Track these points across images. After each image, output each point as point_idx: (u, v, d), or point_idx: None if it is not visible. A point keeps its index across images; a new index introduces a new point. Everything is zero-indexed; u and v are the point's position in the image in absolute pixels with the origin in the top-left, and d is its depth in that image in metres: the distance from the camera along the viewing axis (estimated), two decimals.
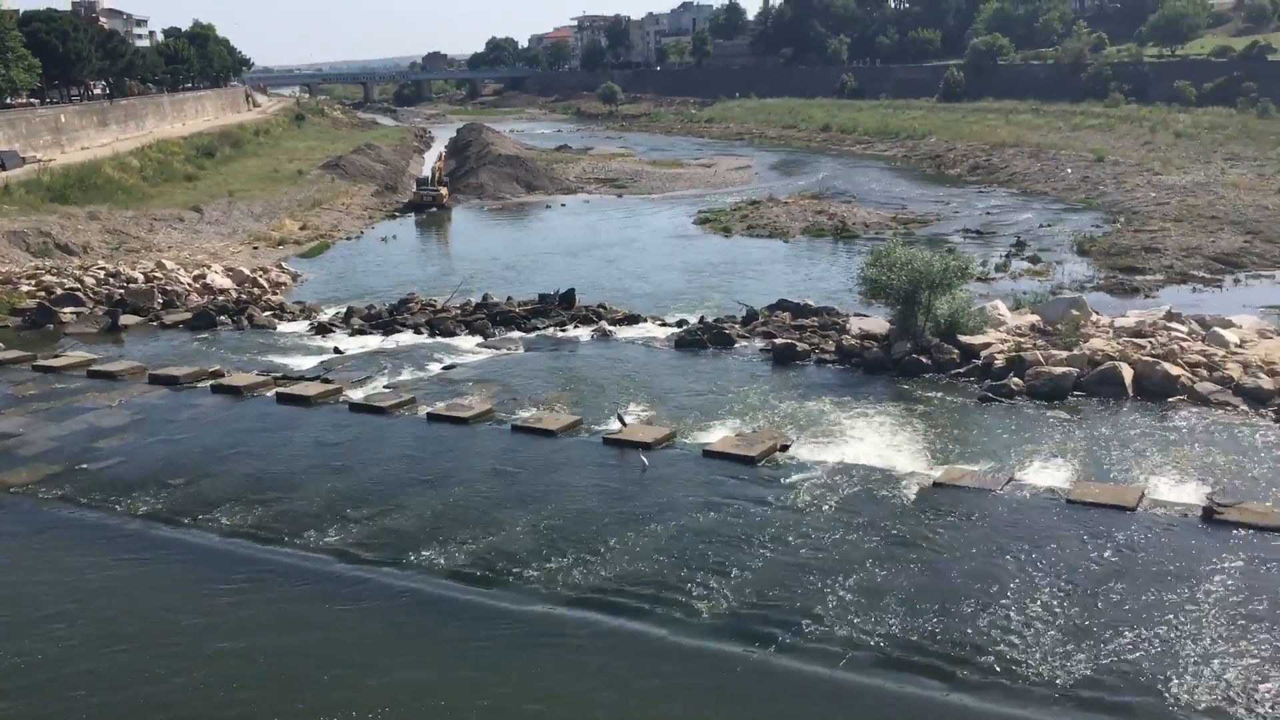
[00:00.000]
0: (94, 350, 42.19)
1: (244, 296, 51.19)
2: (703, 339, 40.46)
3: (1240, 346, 34.89)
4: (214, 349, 42.51)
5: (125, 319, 47.15)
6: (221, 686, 18.92)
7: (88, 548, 24.71)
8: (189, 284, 52.48)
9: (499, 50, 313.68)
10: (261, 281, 54.26)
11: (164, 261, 56.40)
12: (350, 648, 20.14)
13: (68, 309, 48.28)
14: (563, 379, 36.81)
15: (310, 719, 17.90)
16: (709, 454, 28.89)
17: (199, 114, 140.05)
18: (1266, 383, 31.42)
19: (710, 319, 43.46)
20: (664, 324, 43.81)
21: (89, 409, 34.61)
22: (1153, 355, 33.75)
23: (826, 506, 25.31)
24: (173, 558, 24.09)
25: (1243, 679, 18.10)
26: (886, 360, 36.32)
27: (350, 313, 46.68)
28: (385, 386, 36.38)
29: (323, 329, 44.86)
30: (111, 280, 52.29)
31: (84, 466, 29.48)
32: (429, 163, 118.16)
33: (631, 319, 44.59)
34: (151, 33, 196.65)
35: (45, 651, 20.24)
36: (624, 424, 31.19)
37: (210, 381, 37.09)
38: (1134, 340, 35.69)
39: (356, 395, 35.32)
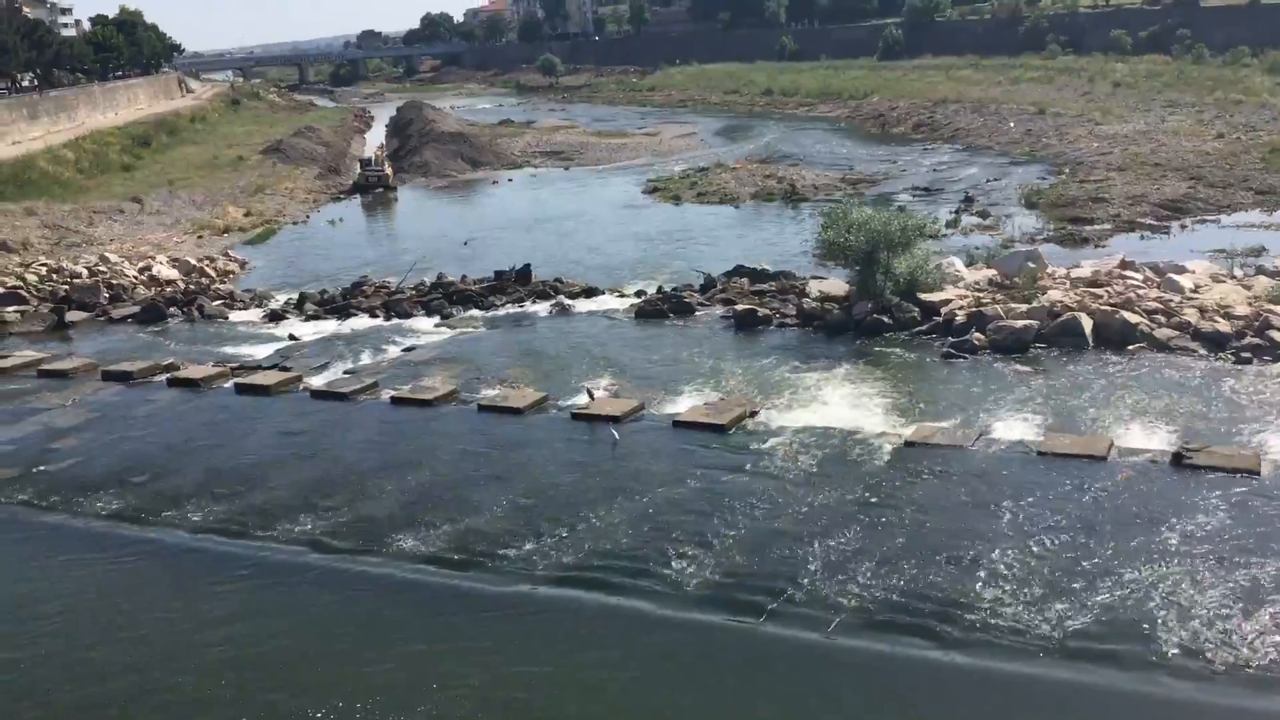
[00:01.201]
0: (42, 349, 41.10)
1: (192, 287, 50.15)
2: (663, 309, 40.19)
3: (1195, 292, 35.27)
4: (166, 342, 41.59)
5: (71, 315, 45.96)
6: (203, 684, 18.53)
7: (53, 552, 24.10)
8: (135, 277, 51.31)
9: (435, 26, 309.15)
10: (209, 271, 53.18)
11: (107, 255, 55.03)
12: (331, 638, 19.81)
13: (11, 308, 47.01)
14: (525, 356, 36.45)
15: (297, 712, 17.55)
16: (679, 424, 28.74)
17: (131, 103, 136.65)
18: (1223, 326, 31.79)
19: (669, 288, 43.16)
20: (622, 295, 43.45)
21: (43, 409, 33.73)
22: (1111, 304, 34.01)
23: (801, 471, 25.26)
24: (141, 557, 23.55)
25: (1223, 621, 18.30)
26: (848, 321, 36.31)
27: (303, 298, 45.84)
28: (345, 372, 35.79)
29: (276, 316, 44.07)
30: (54, 276, 50.99)
31: (42, 469, 28.73)
32: (371, 143, 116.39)
33: (589, 292, 44.18)
34: (78, 21, 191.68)
35: (21, 658, 19.71)
36: (592, 398, 30.94)
37: (165, 375, 36.30)
38: (1091, 290, 35.94)
39: (317, 382, 34.73)
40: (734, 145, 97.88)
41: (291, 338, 40.70)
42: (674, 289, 42.96)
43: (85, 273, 51.30)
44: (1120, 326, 32.54)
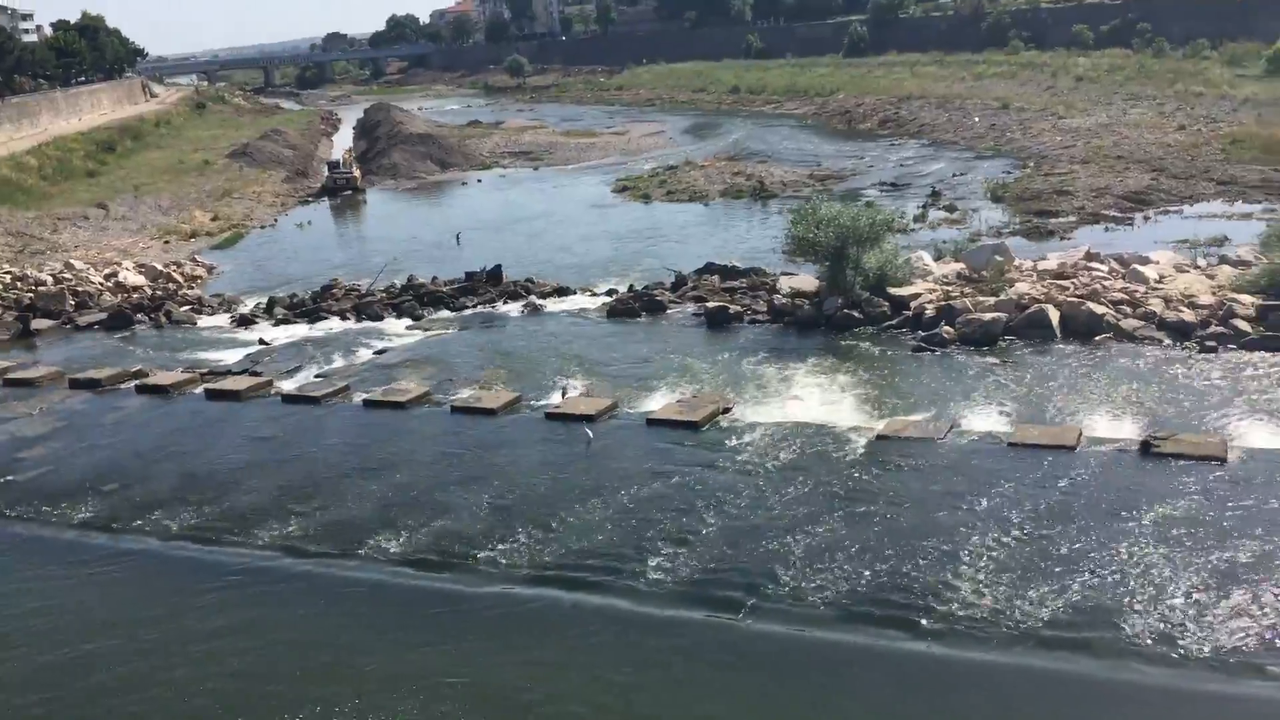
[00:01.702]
0: (7, 357, 40.61)
1: (159, 292, 49.68)
2: (634, 307, 40.25)
3: (1160, 282, 35.61)
4: (133, 349, 41.15)
5: (37, 323, 45.37)
6: (185, 695, 18.36)
7: (23, 563, 23.82)
8: (101, 283, 50.75)
9: (400, 27, 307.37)
10: (176, 276, 52.69)
11: (72, 262, 54.43)
12: (310, 642, 19.73)
13: None
14: (497, 356, 36.37)
15: (278, 716, 17.41)
16: (652, 422, 28.81)
17: (95, 108, 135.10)
18: (1188, 315, 32.13)
19: (640, 287, 43.19)
20: (594, 294, 43.49)
21: (9, 419, 33.32)
22: (1077, 296, 34.30)
23: (775, 467, 25.34)
24: (114, 567, 23.32)
25: (1192, 606, 18.51)
26: (819, 317, 36.47)
27: (272, 302, 45.58)
28: (316, 376, 35.59)
29: (245, 321, 43.77)
30: (19, 284, 50.33)
31: (10, 478, 28.39)
32: (338, 146, 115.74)
33: (561, 291, 44.19)
34: (39, 26, 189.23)
35: None
36: (564, 396, 30.92)
37: (134, 382, 35.95)
38: (1057, 282, 36.24)
39: (288, 386, 34.54)
40: (702, 143, 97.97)
41: (261, 342, 40.42)
42: (645, 287, 42.99)
43: (50, 280, 50.70)
44: (1087, 318, 32.83)
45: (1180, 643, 17.59)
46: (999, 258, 38.55)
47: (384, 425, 30.49)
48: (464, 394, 32.25)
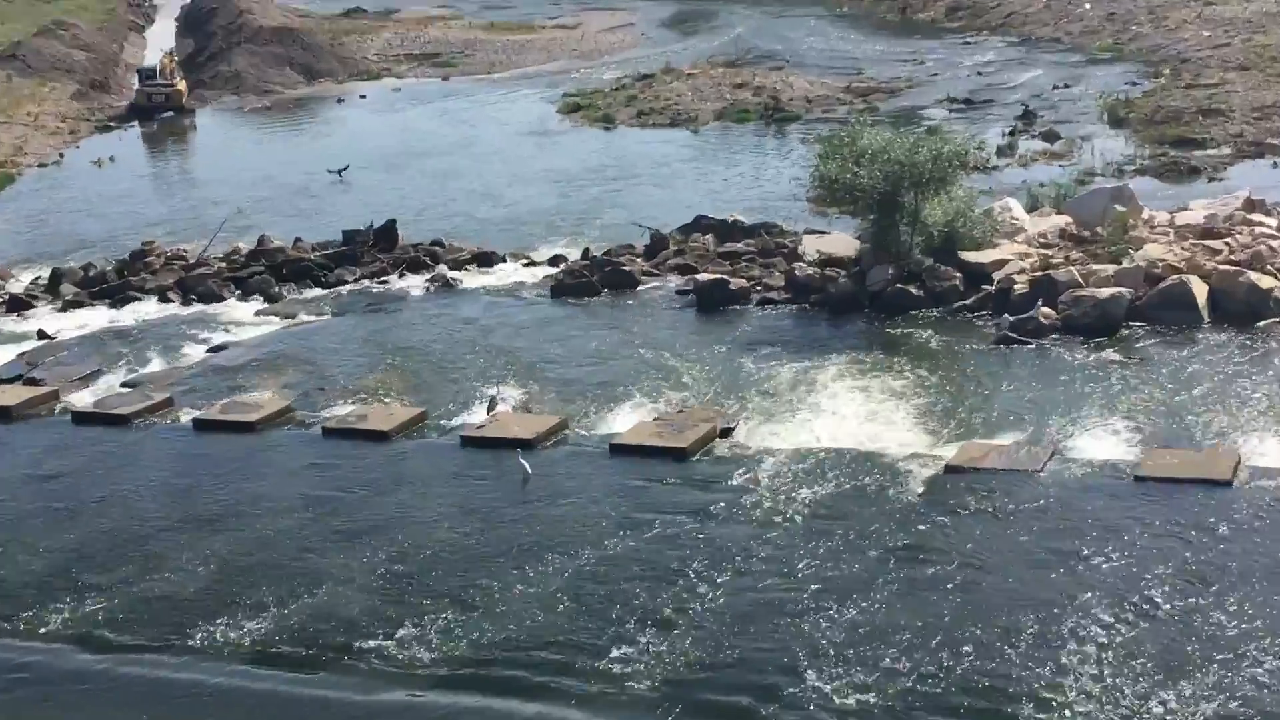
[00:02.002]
0: None
1: None
2: (592, 281, 40.52)
3: None
4: None
5: None
6: None
7: None
8: None
9: None
10: None
11: None
12: None
13: None
14: (391, 354, 36.62)
15: None
16: (618, 449, 29.02)
17: None
18: None
19: (599, 252, 43.41)
20: (532, 263, 43.99)
21: None
22: (1233, 262, 34.68)
23: (796, 513, 25.46)
24: None
25: None
26: (860, 294, 36.88)
27: (58, 277, 45.63)
28: (124, 384, 35.66)
29: (18, 304, 43.85)
30: None
31: None
32: (154, 45, 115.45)
33: (484, 259, 44.55)
34: None
35: None
36: (493, 410, 31.06)
37: None
38: (1204, 243, 36.64)
39: (82, 400, 34.56)
40: (689, 40, 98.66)
41: (41, 335, 40.41)
42: (607, 253, 43.28)
43: None
44: (1247, 294, 33.25)
45: None
46: (1120, 208, 38.90)
47: (224, 455, 30.51)
48: (342, 410, 32.38)
